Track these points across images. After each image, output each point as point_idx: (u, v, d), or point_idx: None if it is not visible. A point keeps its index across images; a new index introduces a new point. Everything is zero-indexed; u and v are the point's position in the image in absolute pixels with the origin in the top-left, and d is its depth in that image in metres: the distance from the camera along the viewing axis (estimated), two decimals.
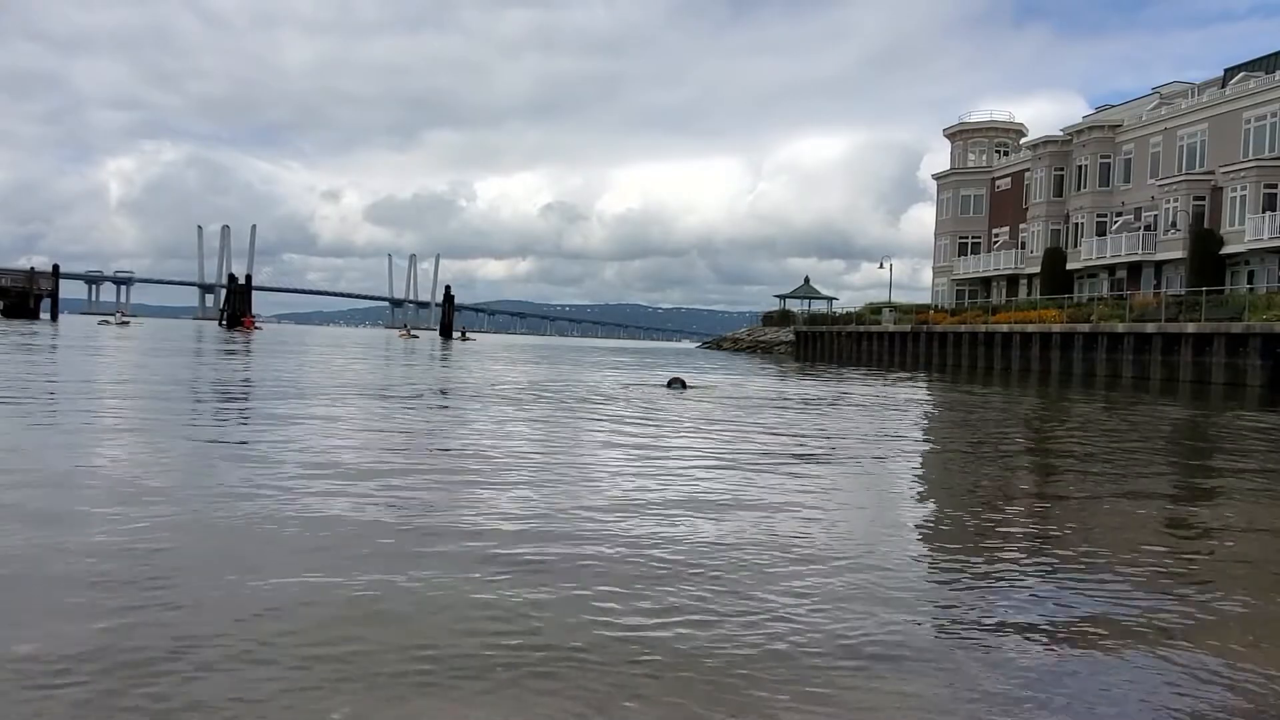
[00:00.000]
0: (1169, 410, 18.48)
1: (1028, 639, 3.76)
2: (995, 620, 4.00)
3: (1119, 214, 45.71)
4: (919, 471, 9.05)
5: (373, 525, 5.36)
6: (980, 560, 5.15)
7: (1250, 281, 36.66)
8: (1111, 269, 45.46)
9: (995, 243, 55.49)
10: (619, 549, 4.96)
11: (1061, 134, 49.22)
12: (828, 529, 5.73)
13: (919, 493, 7.84)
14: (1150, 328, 31.57)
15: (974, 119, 58.12)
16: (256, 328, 77.57)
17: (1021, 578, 4.77)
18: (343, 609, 3.81)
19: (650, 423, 12.08)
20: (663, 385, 19.78)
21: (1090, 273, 46.82)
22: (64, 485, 6.28)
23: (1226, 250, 38.01)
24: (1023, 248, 52.23)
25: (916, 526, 6.18)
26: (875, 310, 56.29)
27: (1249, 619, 4.16)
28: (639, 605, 3.97)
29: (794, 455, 9.32)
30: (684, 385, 19.40)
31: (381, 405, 13.50)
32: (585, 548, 4.95)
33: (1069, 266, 47.58)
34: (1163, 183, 41.88)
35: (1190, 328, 29.91)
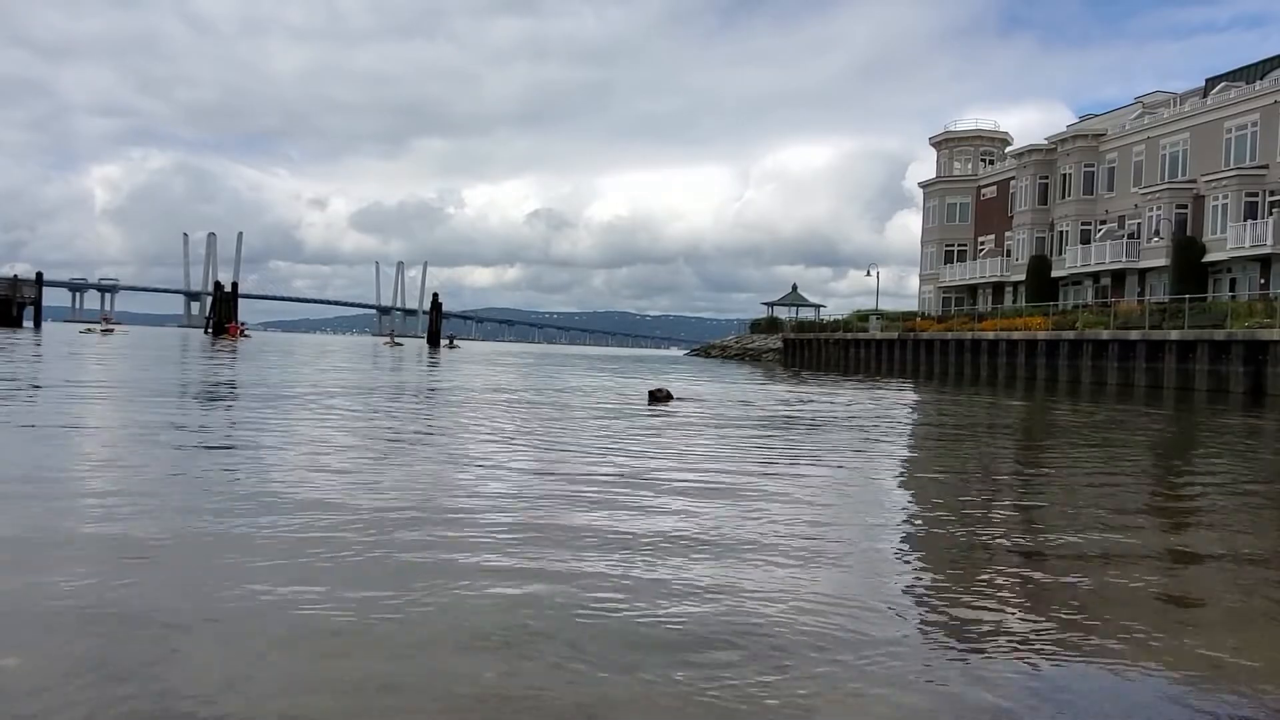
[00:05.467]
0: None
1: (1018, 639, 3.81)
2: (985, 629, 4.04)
3: (1103, 222, 46.16)
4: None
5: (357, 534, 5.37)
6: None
7: (1232, 289, 37.08)
8: (1096, 276, 45.86)
9: (981, 250, 55.91)
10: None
11: (1046, 143, 49.69)
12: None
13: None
14: (1134, 335, 31.85)
15: (959, 128, 58.60)
16: (245, 335, 77.10)
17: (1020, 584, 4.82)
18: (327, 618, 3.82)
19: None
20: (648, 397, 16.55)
21: (1075, 280, 47.22)
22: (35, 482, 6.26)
23: (1209, 258, 38.45)
24: (1008, 255, 52.63)
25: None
26: (863, 317, 56.45)
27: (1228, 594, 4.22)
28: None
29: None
30: (669, 397, 16.50)
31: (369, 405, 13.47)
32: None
33: (1054, 274, 48.04)
34: (1146, 191, 42.32)
35: (1174, 335, 30.19)
